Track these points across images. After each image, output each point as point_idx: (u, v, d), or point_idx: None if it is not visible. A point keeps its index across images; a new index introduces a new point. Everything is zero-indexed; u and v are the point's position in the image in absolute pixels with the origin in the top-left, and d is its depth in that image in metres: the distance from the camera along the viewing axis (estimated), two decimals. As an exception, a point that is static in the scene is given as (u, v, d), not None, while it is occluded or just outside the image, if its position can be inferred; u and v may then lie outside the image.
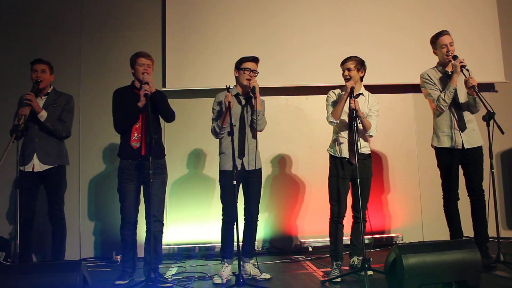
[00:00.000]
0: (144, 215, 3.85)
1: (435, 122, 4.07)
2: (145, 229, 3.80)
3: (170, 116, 3.93)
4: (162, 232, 3.87)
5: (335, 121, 3.80)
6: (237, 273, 3.41)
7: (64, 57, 5.28)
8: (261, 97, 3.94)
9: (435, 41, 4.04)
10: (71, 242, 4.92)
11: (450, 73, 3.94)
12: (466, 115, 3.96)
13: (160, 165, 3.83)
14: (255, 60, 3.89)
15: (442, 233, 4.28)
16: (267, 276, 3.84)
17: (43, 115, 3.92)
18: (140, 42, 5.28)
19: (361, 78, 3.89)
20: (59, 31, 5.34)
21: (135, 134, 3.81)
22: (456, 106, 3.95)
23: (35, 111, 3.87)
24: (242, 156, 3.79)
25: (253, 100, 3.84)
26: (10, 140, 3.58)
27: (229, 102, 3.65)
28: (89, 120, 5.24)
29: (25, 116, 3.76)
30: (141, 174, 3.81)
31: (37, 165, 3.97)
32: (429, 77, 4.05)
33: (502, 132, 3.55)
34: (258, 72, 3.89)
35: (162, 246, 4.04)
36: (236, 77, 3.92)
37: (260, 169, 3.94)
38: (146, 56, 3.87)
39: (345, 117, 3.83)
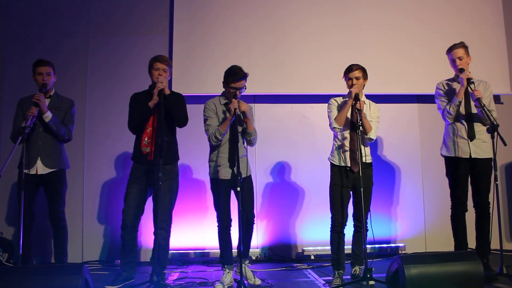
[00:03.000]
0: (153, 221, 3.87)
1: (445, 131, 4.08)
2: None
3: (182, 119, 3.86)
4: (166, 240, 3.83)
5: (339, 127, 3.80)
6: (239, 279, 3.41)
7: (71, 60, 5.32)
8: (250, 104, 3.95)
9: (448, 54, 4.06)
10: (74, 245, 4.94)
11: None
12: (477, 126, 3.95)
13: (168, 171, 3.79)
14: (241, 79, 3.79)
15: (445, 244, 4.27)
16: (259, 281, 3.82)
17: (48, 116, 3.92)
18: (147, 46, 5.32)
19: (363, 86, 3.92)
20: (67, 35, 5.39)
21: (145, 139, 3.81)
22: (468, 117, 3.95)
23: (41, 111, 3.87)
24: (233, 165, 3.77)
25: (244, 123, 3.80)
26: (16, 142, 3.58)
27: (235, 109, 3.66)
28: (94, 123, 5.27)
29: (32, 117, 3.77)
30: (148, 180, 3.82)
31: (40, 168, 3.97)
32: (443, 87, 4.07)
33: (505, 144, 3.56)
34: (245, 88, 3.83)
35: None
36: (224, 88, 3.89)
37: (250, 176, 3.95)
38: (162, 61, 3.85)
39: (347, 125, 3.84)
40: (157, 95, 3.69)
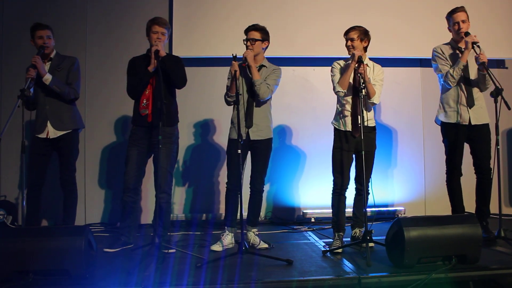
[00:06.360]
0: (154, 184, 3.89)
1: (442, 97, 4.04)
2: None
3: (180, 80, 3.81)
4: (168, 203, 3.86)
5: (342, 90, 3.76)
6: (240, 241, 3.45)
7: (70, 22, 5.21)
8: (276, 66, 3.99)
9: (449, 17, 3.98)
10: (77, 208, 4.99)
11: (463, 49, 3.88)
12: (475, 92, 3.93)
13: (167, 133, 3.77)
14: (251, 29, 3.84)
15: (445, 209, 4.30)
16: (265, 245, 3.87)
17: (47, 78, 3.85)
18: (146, 8, 5.20)
19: (365, 49, 3.85)
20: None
21: (144, 101, 3.78)
22: (466, 82, 3.91)
23: (40, 74, 3.80)
24: (249, 125, 3.79)
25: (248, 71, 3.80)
26: (15, 104, 3.55)
27: (235, 71, 3.63)
28: (95, 87, 5.20)
29: (31, 79, 3.72)
30: (148, 142, 3.82)
31: (51, 132, 3.94)
32: (442, 51, 4.00)
33: (509, 108, 3.53)
34: (259, 40, 3.83)
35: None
36: None
37: (268, 140, 3.92)
38: (161, 24, 3.79)
39: (349, 89, 3.80)
40: (154, 58, 3.66)
